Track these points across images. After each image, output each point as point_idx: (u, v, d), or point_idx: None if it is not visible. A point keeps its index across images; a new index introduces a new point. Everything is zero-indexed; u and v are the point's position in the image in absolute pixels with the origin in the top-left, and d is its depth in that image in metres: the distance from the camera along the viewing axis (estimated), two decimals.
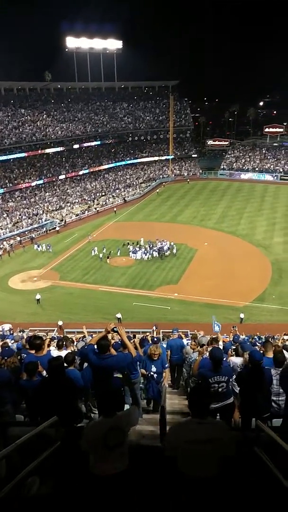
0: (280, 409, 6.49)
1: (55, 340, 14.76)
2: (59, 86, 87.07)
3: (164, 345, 13.90)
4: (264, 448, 4.27)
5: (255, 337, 22.22)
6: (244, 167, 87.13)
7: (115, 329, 6.70)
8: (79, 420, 6.53)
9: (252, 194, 73.58)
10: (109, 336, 10.58)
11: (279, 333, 21.86)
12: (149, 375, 8.46)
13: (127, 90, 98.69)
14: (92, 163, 79.54)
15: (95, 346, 6.32)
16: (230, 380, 6.67)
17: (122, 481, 3.86)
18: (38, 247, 50.77)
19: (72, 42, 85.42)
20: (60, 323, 31.07)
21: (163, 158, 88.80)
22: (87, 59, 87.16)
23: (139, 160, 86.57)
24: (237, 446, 3.85)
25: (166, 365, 8.83)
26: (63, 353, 9.57)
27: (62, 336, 19.66)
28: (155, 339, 10.33)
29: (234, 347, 10.25)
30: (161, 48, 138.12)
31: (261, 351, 8.24)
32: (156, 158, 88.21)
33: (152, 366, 8.52)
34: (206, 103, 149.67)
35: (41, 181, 68.83)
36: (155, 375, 8.45)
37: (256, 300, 36.17)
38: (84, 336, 14.70)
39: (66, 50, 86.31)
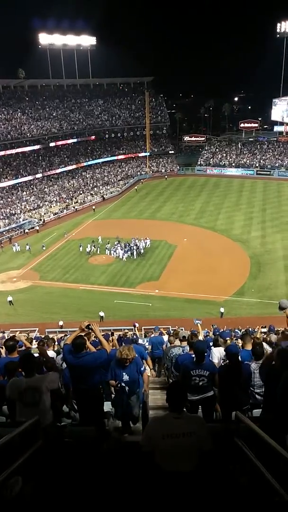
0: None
1: (37, 341, 14.67)
2: (32, 83, 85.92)
3: (146, 343, 13.99)
4: (244, 438, 4.37)
5: (236, 330, 22.59)
6: (220, 163, 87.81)
7: (89, 326, 6.67)
8: (60, 419, 6.52)
9: (229, 189, 74.27)
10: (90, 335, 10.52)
11: (258, 325, 22.22)
12: (119, 386, 6.35)
13: (102, 87, 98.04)
14: (69, 161, 78.87)
15: (71, 346, 6.26)
16: (214, 375, 6.67)
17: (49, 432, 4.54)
18: (14, 247, 49.94)
19: (45, 39, 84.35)
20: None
21: (141, 155, 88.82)
22: (61, 56, 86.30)
23: (116, 158, 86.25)
24: (216, 439, 3.91)
25: (142, 368, 6.65)
26: (50, 353, 9.52)
27: (43, 336, 19.56)
28: (134, 338, 9.39)
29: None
30: (135, 44, 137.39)
31: (240, 344, 8.36)
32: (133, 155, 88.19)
33: (123, 373, 6.33)
34: (182, 99, 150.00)
35: (17, 180, 67.88)
36: (126, 388, 6.30)
37: (236, 294, 36.66)
38: (65, 335, 14.63)
39: (39, 46, 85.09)
